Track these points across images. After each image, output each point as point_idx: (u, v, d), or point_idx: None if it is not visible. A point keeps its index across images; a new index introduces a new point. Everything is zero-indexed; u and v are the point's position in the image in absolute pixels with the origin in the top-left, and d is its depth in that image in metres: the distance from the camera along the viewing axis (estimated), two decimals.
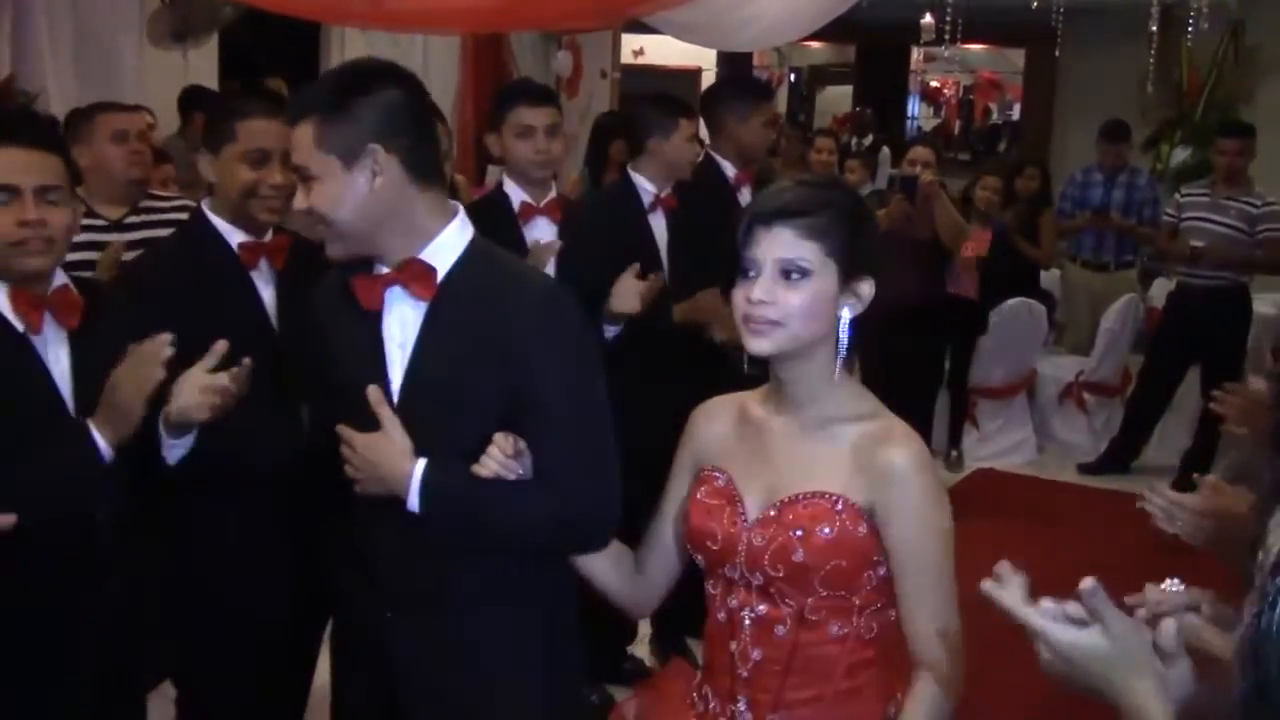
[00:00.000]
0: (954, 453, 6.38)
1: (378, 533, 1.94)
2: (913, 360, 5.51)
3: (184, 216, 3.46)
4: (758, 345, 1.71)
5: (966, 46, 11.10)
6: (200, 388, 2.05)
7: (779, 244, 1.69)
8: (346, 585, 2.04)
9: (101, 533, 2.08)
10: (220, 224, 2.45)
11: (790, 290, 1.68)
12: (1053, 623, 1.23)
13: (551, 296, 1.91)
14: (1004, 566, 1.32)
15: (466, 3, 4.47)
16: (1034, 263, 6.78)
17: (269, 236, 2.49)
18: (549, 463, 1.83)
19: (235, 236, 2.45)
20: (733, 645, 1.76)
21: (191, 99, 5.81)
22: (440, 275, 1.87)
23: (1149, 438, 6.37)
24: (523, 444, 1.82)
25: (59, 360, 2.06)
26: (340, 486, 1.92)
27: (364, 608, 1.98)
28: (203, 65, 6.37)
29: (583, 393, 1.86)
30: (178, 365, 2.12)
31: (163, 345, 1.98)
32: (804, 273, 1.68)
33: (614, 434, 1.89)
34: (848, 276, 1.71)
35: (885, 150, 9.43)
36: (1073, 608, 1.24)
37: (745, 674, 1.76)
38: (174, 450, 2.15)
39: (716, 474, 1.81)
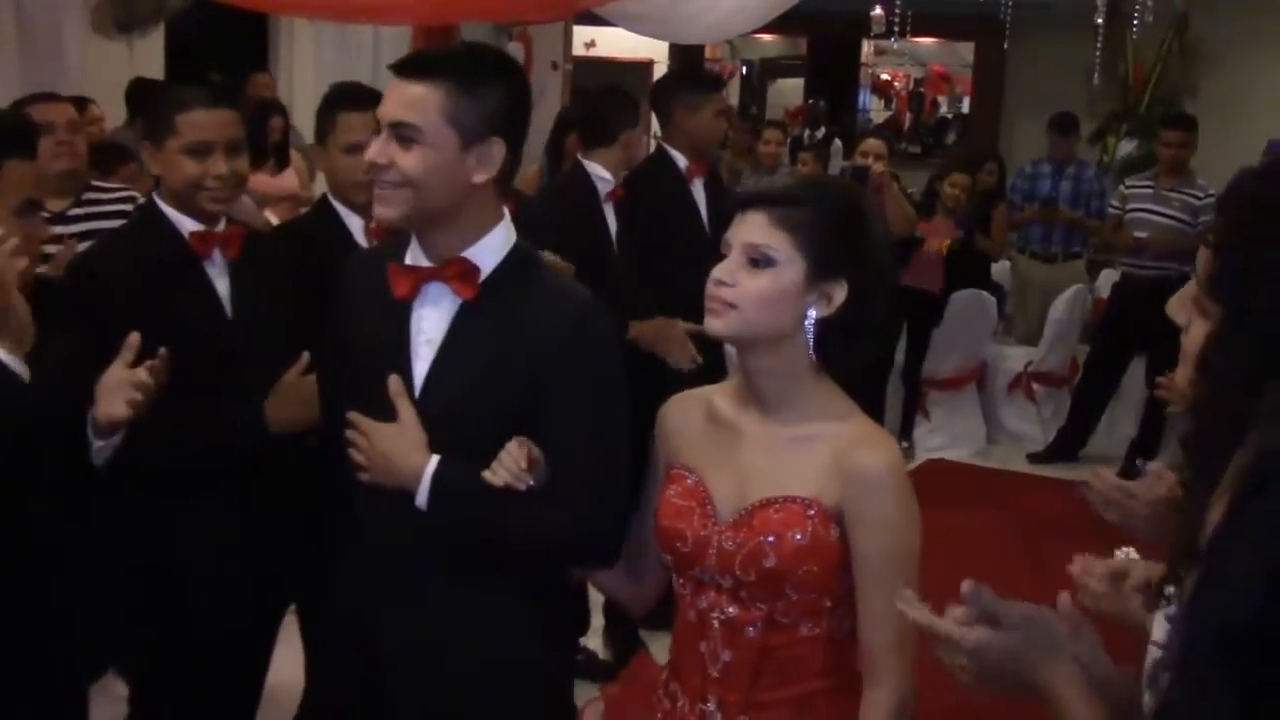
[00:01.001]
0: (905, 444, 6.43)
1: (378, 524, 1.91)
2: None
3: (128, 208, 3.43)
4: (711, 325, 1.70)
5: (917, 40, 11.17)
6: (116, 385, 2.02)
7: (751, 228, 1.67)
8: (340, 574, 2.01)
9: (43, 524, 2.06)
10: (172, 214, 2.42)
11: (752, 276, 1.66)
12: (962, 626, 1.23)
13: (585, 313, 1.87)
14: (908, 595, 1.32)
15: None
16: (985, 255, 6.85)
17: (222, 226, 2.46)
18: (561, 479, 1.80)
19: (187, 225, 2.42)
20: (702, 645, 1.74)
21: (138, 92, 5.72)
22: (481, 276, 1.85)
23: (1096, 426, 6.47)
24: (538, 452, 1.78)
25: None
26: (343, 473, 1.90)
27: (355, 599, 1.96)
28: (148, 55, 6.29)
29: (603, 413, 1.83)
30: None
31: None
32: (769, 261, 1.66)
33: (629, 457, 1.87)
34: (818, 276, 1.67)
35: (837, 142, 9.47)
36: (959, 613, 1.25)
37: (715, 674, 1.73)
38: (100, 452, 2.11)
39: (686, 473, 1.78)
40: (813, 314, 1.68)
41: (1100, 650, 1.24)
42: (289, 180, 6.35)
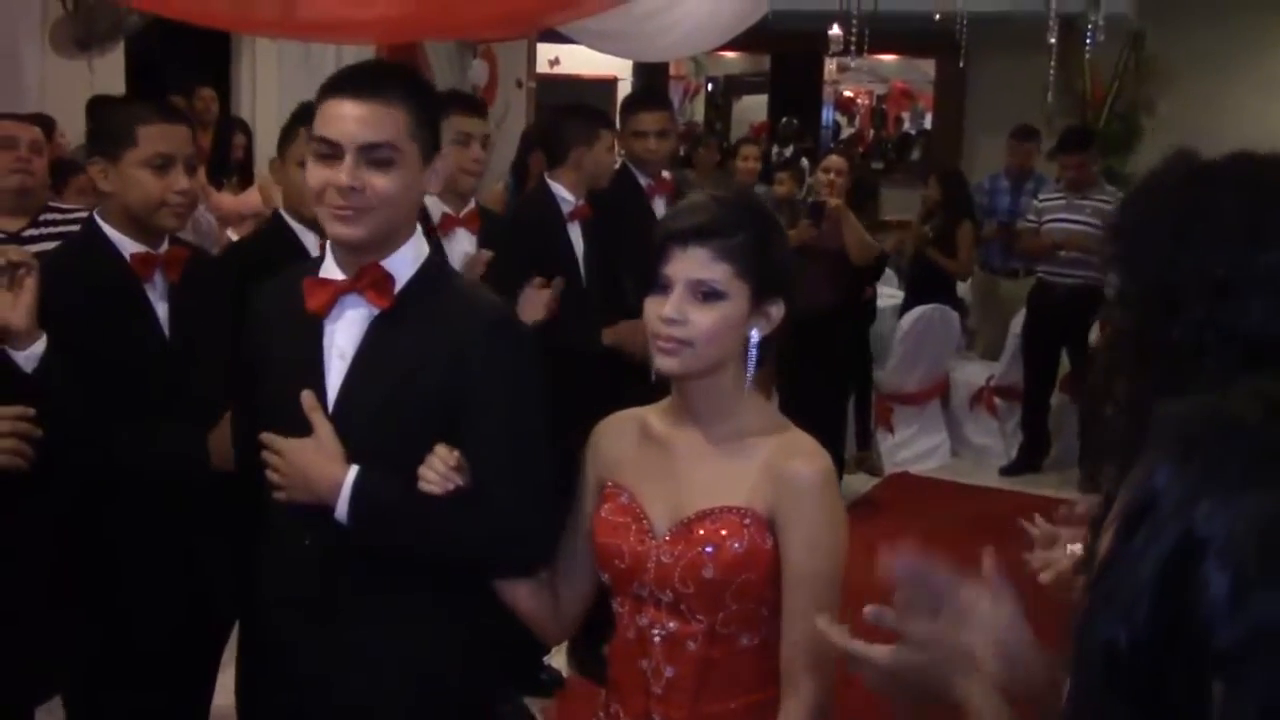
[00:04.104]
0: (872, 454, 6.48)
1: (298, 544, 1.90)
2: (830, 365, 5.60)
3: None
4: (666, 364, 1.70)
5: (879, 57, 11.25)
6: None
7: (693, 264, 1.67)
8: (263, 597, 2.00)
9: None
10: (113, 234, 2.39)
11: (701, 311, 1.67)
12: (872, 647, 1.26)
13: (501, 320, 1.90)
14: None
15: (378, 12, 4.43)
16: (950, 274, 6.90)
17: (164, 248, 2.43)
18: (480, 484, 1.80)
19: (128, 247, 2.38)
20: (644, 663, 1.74)
21: (100, 109, 5.68)
22: (397, 286, 1.86)
23: (1048, 435, 6.57)
24: (462, 458, 1.79)
25: None
26: (262, 495, 1.89)
27: (279, 620, 1.95)
28: (109, 74, 6.24)
29: (522, 420, 1.84)
30: (76, 382, 2.08)
31: (23, 417, 2.04)
32: (717, 295, 1.67)
33: (550, 464, 1.87)
34: (758, 298, 1.70)
35: (804, 160, 9.52)
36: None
37: (659, 691, 1.73)
38: (29, 361, 2.15)
39: (620, 491, 1.79)
40: (755, 335, 1.72)
41: (1020, 620, 1.26)
42: (252, 198, 6.33)
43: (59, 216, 3.46)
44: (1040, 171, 7.25)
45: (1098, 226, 6.05)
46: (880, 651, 1.25)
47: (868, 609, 1.27)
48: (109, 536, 2.36)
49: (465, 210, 3.38)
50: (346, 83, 1.82)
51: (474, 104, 3.53)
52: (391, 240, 1.86)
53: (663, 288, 1.69)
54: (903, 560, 1.26)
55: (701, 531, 1.69)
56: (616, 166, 4.09)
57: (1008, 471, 6.54)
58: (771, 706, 1.72)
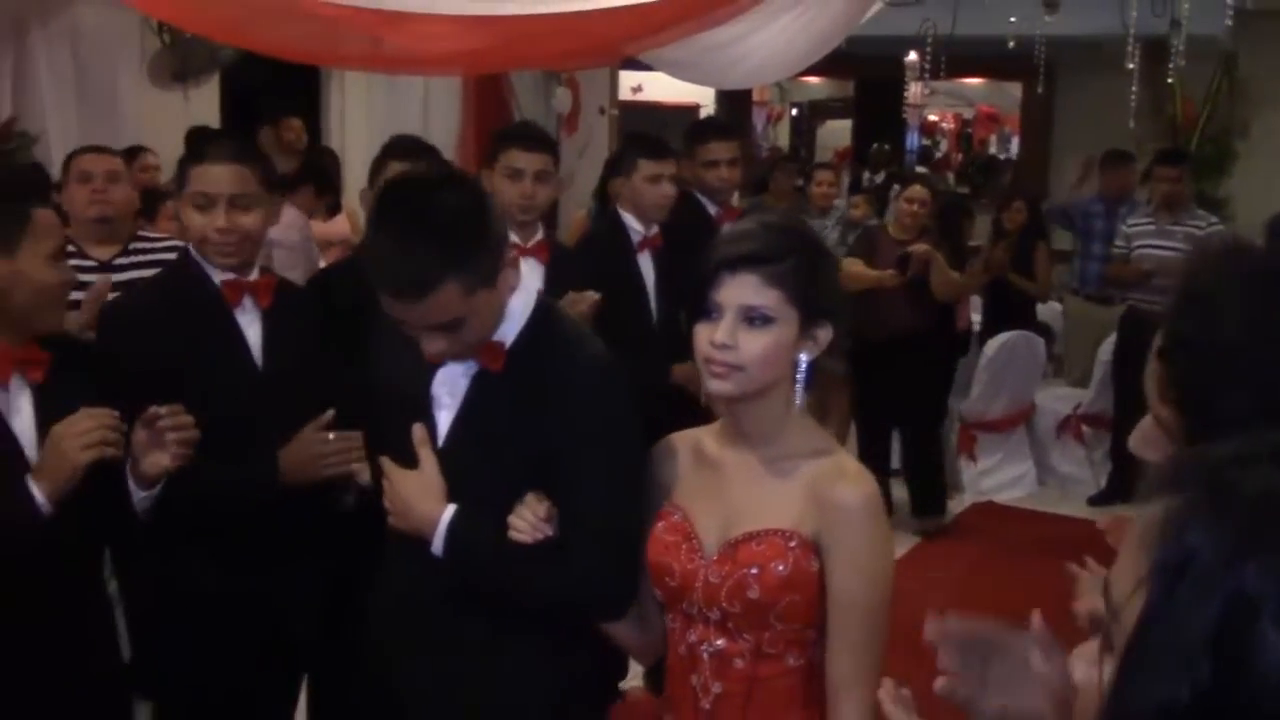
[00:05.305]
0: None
1: (403, 572, 1.97)
2: (920, 389, 5.57)
3: (173, 256, 3.50)
4: (718, 387, 1.73)
5: (965, 80, 11.14)
6: (151, 441, 2.09)
7: (743, 290, 1.70)
8: (369, 625, 2.06)
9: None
10: (204, 262, 2.46)
11: (752, 336, 1.70)
12: None
13: (602, 369, 1.93)
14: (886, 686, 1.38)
15: (462, 45, 4.51)
16: (1030, 297, 6.78)
17: (254, 275, 2.49)
18: (572, 533, 1.85)
19: (218, 274, 2.45)
20: (694, 679, 1.78)
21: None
22: (508, 344, 1.91)
23: (1138, 463, 6.38)
24: (552, 508, 1.85)
25: (20, 412, 2.09)
26: (378, 522, 1.96)
27: (384, 648, 2.01)
28: (204, 105, 6.44)
29: (613, 473, 1.87)
30: (161, 404, 2.14)
31: (111, 417, 2.03)
32: (766, 320, 1.70)
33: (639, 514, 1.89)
34: (807, 323, 1.72)
35: (896, 187, 9.45)
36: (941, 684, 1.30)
37: (707, 706, 1.77)
38: (142, 502, 2.17)
39: (673, 511, 1.83)
40: (804, 358, 1.74)
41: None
42: (340, 226, 6.48)
43: (148, 245, 3.56)
44: (1133, 195, 7.10)
45: (1190, 252, 5.91)
46: None
47: (929, 626, 1.29)
48: (187, 569, 2.40)
49: (533, 240, 3.39)
50: (388, 284, 1.81)
51: (529, 138, 3.42)
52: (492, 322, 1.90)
53: (713, 313, 1.72)
54: (933, 625, 1.28)
55: (746, 553, 1.72)
56: (668, 195, 3.95)
57: (1096, 501, 6.38)
58: None
